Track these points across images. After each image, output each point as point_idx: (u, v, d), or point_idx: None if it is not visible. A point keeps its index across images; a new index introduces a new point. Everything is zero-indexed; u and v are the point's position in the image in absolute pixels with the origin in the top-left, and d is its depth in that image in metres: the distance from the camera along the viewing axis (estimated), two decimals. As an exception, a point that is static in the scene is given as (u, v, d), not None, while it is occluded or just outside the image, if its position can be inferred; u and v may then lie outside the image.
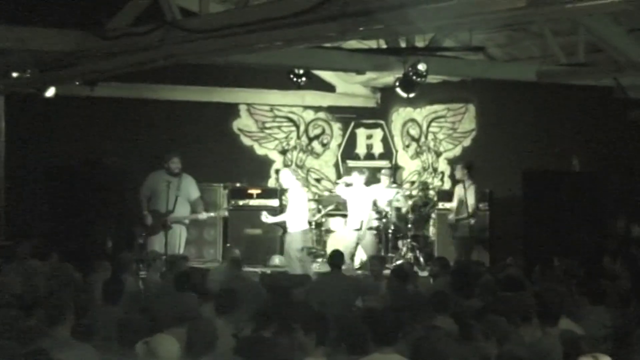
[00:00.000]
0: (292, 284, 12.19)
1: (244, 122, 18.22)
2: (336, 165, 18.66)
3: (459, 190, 15.00)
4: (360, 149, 18.64)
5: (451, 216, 15.08)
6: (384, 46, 12.61)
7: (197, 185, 14.59)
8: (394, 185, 16.36)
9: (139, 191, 14.33)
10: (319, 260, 16.34)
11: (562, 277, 10.48)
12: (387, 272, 14.22)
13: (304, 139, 18.60)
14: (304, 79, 13.83)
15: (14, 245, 12.52)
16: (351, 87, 18.54)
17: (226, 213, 15.45)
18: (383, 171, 16.25)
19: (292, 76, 13.77)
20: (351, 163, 18.08)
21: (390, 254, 15.35)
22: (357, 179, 15.28)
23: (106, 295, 8.85)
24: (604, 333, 7.79)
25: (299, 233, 14.55)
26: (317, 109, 18.58)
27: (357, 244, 15.10)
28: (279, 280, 12.55)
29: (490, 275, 10.94)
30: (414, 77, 11.79)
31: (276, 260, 15.76)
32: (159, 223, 13.91)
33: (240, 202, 16.35)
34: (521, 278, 10.20)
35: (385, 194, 15.77)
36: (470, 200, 14.68)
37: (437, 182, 17.26)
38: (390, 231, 15.55)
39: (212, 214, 14.63)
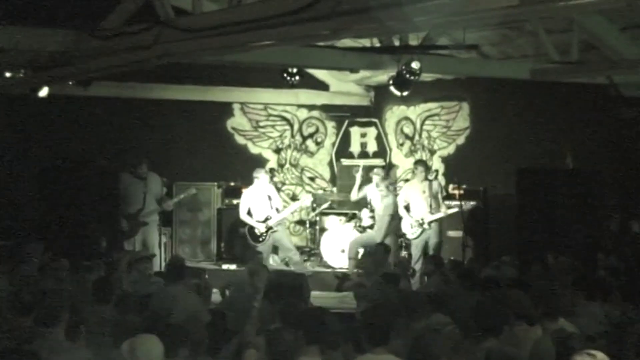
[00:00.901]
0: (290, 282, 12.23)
1: (237, 121, 18.23)
2: (330, 164, 18.67)
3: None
4: (355, 148, 18.64)
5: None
6: (378, 45, 12.61)
7: (162, 182, 14.72)
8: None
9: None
10: (312, 259, 16.37)
11: (558, 274, 10.47)
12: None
13: (298, 138, 18.61)
14: (297, 77, 13.83)
15: (15, 246, 12.48)
16: (345, 86, 18.55)
17: (194, 190, 15.45)
18: (375, 170, 16.23)
19: (285, 75, 13.77)
20: (345, 161, 18.09)
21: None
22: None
23: (97, 295, 8.85)
24: (600, 329, 7.80)
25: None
26: (310, 107, 18.59)
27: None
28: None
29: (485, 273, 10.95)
30: (408, 76, 11.76)
31: (270, 259, 15.75)
32: (134, 225, 14.20)
33: (234, 201, 16.34)
34: (517, 276, 10.21)
35: (379, 193, 15.75)
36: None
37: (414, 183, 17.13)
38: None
39: (175, 200, 14.85)
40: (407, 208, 14.85)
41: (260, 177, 14.91)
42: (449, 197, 15.29)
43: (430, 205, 14.66)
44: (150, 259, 12.17)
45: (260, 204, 14.71)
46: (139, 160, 14.41)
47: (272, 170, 18.17)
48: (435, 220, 14.65)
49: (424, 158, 17.48)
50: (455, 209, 14.65)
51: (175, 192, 15.68)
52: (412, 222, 14.74)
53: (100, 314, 8.12)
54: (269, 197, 14.81)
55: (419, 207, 14.76)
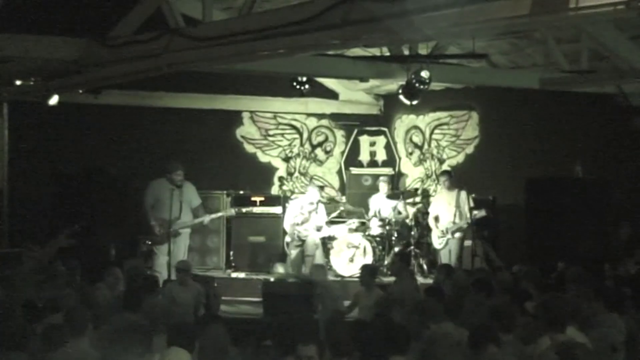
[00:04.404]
0: (292, 291, 12.24)
1: (247, 130, 18.24)
2: (339, 173, 18.66)
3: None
4: (364, 156, 18.63)
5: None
6: (387, 54, 12.62)
7: (197, 192, 14.41)
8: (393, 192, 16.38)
9: (142, 200, 14.03)
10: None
11: (570, 283, 10.40)
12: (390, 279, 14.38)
13: (307, 146, 18.61)
14: (307, 86, 13.85)
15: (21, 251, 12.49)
16: (354, 95, 18.56)
17: (233, 212, 15.32)
18: (382, 178, 16.26)
19: (295, 84, 13.79)
20: (354, 170, 18.09)
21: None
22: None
23: (127, 304, 8.84)
24: (620, 339, 7.79)
25: None
26: (320, 116, 18.60)
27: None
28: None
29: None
30: (417, 85, 11.77)
31: (279, 268, 15.74)
32: (167, 231, 13.66)
33: (244, 210, 16.33)
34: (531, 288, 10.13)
35: (388, 202, 15.78)
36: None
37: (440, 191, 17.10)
38: (393, 238, 15.53)
39: (213, 216, 14.51)
40: (436, 219, 14.87)
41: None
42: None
43: (455, 215, 14.58)
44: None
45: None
46: (174, 167, 13.92)
47: (280, 179, 18.22)
48: (458, 230, 14.57)
49: (433, 167, 17.48)
50: (478, 215, 14.47)
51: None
52: (438, 232, 14.77)
53: (129, 322, 8.07)
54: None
55: (444, 217, 14.76)
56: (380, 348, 6.67)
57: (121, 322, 7.74)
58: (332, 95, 18.48)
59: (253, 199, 16.48)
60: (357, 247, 15.21)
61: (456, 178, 15.07)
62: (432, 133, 17.72)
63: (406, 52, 12.28)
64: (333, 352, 6.93)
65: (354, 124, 18.65)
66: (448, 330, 7.82)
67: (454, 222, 14.56)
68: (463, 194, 14.64)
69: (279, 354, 6.85)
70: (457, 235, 14.57)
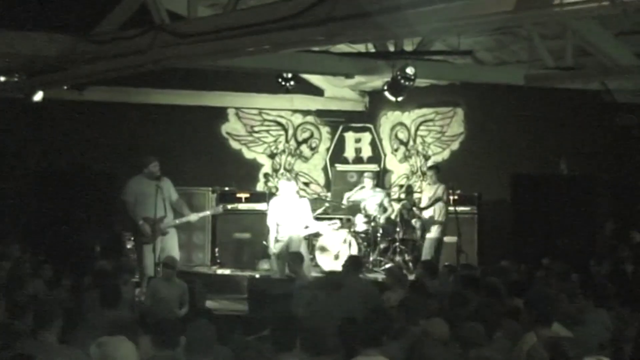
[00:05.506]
0: (277, 288, 12.23)
1: (232, 126, 18.23)
2: (325, 169, 18.66)
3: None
4: (349, 153, 18.65)
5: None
6: (373, 50, 12.62)
7: (174, 186, 13.87)
8: (378, 189, 16.37)
9: (124, 200, 13.46)
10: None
11: (560, 280, 10.43)
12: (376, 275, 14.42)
13: (293, 143, 18.61)
14: (292, 82, 13.83)
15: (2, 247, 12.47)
16: (340, 91, 18.56)
17: (220, 209, 15.04)
18: (366, 174, 16.28)
19: (280, 80, 13.77)
20: (340, 167, 18.09)
21: (379, 258, 15.35)
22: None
23: (104, 300, 8.80)
24: (607, 336, 7.81)
25: None
26: (305, 112, 18.59)
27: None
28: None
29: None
30: (403, 81, 11.78)
31: (265, 264, 15.73)
32: (155, 230, 13.26)
33: (229, 206, 16.31)
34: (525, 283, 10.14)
35: (373, 198, 15.79)
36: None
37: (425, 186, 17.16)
38: (378, 235, 15.55)
39: (201, 214, 14.20)
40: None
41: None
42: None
43: (434, 210, 14.86)
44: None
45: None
46: (149, 159, 13.43)
47: (266, 176, 18.20)
48: (436, 223, 14.79)
49: (418, 163, 17.50)
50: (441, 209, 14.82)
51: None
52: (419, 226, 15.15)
53: (106, 318, 8.04)
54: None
55: (427, 211, 15.01)
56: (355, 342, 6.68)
57: (105, 319, 7.73)
58: (318, 91, 18.48)
59: (238, 195, 16.45)
60: (342, 244, 15.22)
61: (442, 174, 15.21)
62: (417, 129, 17.73)
63: (391, 49, 12.28)
64: (310, 350, 6.90)
65: (339, 121, 18.65)
66: (437, 326, 7.81)
67: (428, 217, 14.82)
68: (440, 189, 14.94)
69: (264, 349, 6.84)
70: (433, 230, 14.70)
